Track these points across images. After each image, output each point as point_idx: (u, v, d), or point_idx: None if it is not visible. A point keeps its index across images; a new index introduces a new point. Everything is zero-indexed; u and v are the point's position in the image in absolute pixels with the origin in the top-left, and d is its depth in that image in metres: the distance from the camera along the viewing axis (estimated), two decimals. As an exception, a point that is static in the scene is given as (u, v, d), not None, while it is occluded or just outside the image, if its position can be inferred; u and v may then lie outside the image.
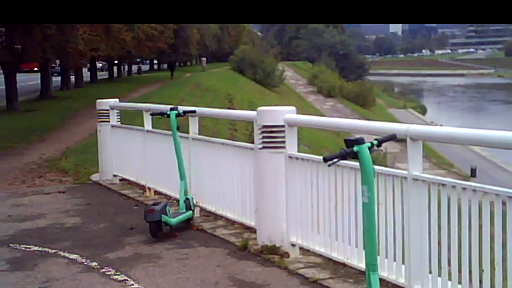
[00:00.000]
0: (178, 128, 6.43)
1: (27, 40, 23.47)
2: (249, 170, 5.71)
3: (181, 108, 6.66)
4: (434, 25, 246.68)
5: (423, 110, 70.79)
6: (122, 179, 9.00)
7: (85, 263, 5.33)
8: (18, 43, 24.88)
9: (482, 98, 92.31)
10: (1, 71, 27.28)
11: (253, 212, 5.67)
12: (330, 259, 4.84)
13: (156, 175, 7.84)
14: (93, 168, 10.27)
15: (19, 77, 27.22)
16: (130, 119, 10.19)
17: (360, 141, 3.10)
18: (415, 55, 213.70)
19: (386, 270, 4.18)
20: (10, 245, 6.03)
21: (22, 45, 24.77)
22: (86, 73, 44.46)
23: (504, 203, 3.40)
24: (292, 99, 51.38)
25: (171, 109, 6.53)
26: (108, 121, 9.08)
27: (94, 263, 5.31)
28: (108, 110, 9.08)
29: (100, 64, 56.53)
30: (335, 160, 3.12)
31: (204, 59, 68.01)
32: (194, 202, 6.54)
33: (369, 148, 3.12)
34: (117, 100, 9.44)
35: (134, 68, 63.85)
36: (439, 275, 3.85)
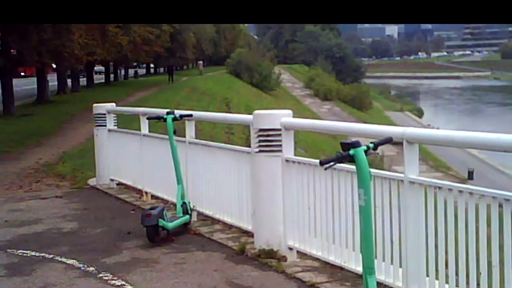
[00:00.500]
0: (174, 132, 6.44)
1: (23, 45, 23.42)
2: (246, 174, 5.72)
3: (178, 112, 6.65)
4: (430, 27, 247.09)
5: (419, 113, 70.92)
6: (119, 184, 8.99)
7: (83, 268, 5.32)
8: (14, 48, 24.86)
9: (478, 100, 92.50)
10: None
11: (250, 216, 5.68)
12: (327, 263, 4.85)
13: (153, 179, 7.83)
14: (90, 173, 10.26)
15: (15, 82, 27.15)
16: (127, 123, 10.18)
17: (356, 144, 3.10)
18: (411, 57, 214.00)
19: (383, 273, 4.19)
20: (7, 250, 6.01)
21: (18, 49, 24.73)
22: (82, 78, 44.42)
23: (500, 206, 3.41)
24: (288, 102, 51.37)
25: (168, 113, 6.52)
26: (105, 126, 9.09)
27: (91, 268, 5.30)
28: (105, 114, 9.08)
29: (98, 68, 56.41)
30: (332, 163, 3.13)
31: (201, 62, 68.08)
32: (191, 206, 6.53)
33: (365, 151, 3.13)
34: (114, 104, 9.45)
35: (131, 72, 63.79)
36: (436, 278, 3.85)
